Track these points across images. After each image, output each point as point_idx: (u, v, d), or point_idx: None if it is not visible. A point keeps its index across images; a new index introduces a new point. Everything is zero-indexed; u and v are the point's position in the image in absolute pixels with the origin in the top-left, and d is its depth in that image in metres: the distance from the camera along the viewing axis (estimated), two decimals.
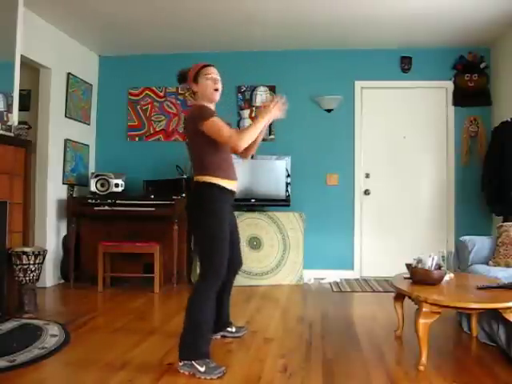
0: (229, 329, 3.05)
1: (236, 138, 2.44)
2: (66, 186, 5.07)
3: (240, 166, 5.15)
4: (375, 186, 5.43)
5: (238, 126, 5.48)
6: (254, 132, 2.50)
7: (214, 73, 2.65)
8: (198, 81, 2.63)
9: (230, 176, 2.63)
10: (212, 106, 2.67)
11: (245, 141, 2.45)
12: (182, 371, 2.40)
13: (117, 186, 4.98)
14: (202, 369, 2.36)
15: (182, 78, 2.73)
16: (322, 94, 5.38)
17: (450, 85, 5.33)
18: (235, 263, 2.92)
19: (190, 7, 4.35)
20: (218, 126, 2.46)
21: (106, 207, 4.83)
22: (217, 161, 2.57)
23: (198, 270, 2.63)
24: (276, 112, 2.59)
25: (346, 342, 2.99)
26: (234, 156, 2.73)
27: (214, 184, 2.54)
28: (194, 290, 2.52)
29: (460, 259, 3.58)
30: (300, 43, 5.29)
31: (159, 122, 5.64)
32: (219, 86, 2.65)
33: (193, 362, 2.38)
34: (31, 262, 3.60)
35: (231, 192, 2.64)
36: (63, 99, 5.01)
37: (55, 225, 4.91)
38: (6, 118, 3.67)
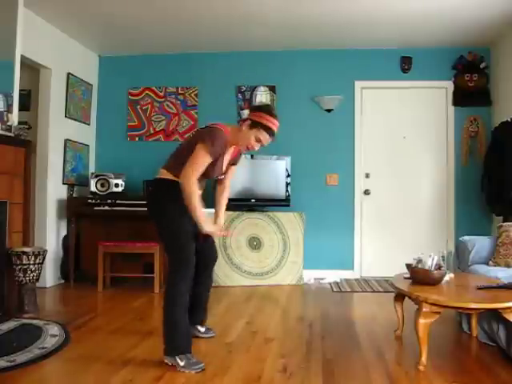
0: (198, 327, 3.02)
1: (188, 187, 2.45)
2: (65, 186, 5.07)
3: (240, 165, 5.16)
4: (375, 186, 5.43)
5: None
6: (192, 209, 2.49)
7: (267, 140, 2.61)
8: (253, 130, 2.59)
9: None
10: (231, 143, 2.66)
11: (184, 187, 2.46)
12: (165, 361, 2.50)
13: (117, 186, 4.98)
14: (182, 363, 2.44)
15: (254, 108, 2.80)
16: (322, 93, 5.38)
17: (450, 85, 5.33)
18: (208, 257, 2.93)
19: (190, 7, 4.35)
20: (199, 161, 2.48)
21: (106, 207, 4.83)
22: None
23: None
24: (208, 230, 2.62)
25: (346, 342, 2.99)
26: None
27: (177, 182, 2.53)
28: (166, 286, 2.61)
29: (460, 259, 3.58)
30: (300, 43, 5.29)
31: (159, 122, 5.64)
32: (258, 146, 2.65)
33: (175, 356, 2.47)
34: (31, 262, 3.60)
35: None
36: (63, 99, 5.01)
37: (55, 225, 4.91)
38: (6, 118, 3.67)
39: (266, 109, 2.66)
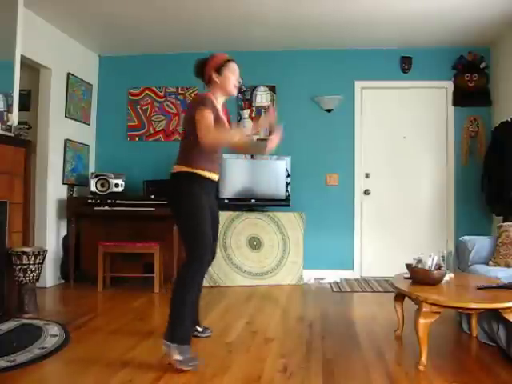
0: (197, 326, 3.01)
1: (211, 139, 2.47)
2: (65, 186, 5.07)
3: (240, 166, 5.18)
4: (375, 185, 5.43)
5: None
6: (225, 140, 2.55)
7: (236, 68, 2.75)
8: (222, 72, 2.70)
9: (208, 168, 2.65)
10: (222, 100, 2.75)
11: (210, 141, 2.47)
12: (163, 346, 2.48)
13: (117, 186, 4.98)
14: (179, 357, 2.42)
15: (201, 66, 2.76)
16: (322, 93, 5.38)
17: (450, 85, 5.33)
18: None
19: (190, 7, 4.35)
20: (205, 121, 2.49)
21: (106, 207, 4.83)
22: (200, 155, 2.59)
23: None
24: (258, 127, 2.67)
25: (346, 342, 2.99)
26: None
27: (192, 173, 2.59)
28: (178, 276, 2.56)
29: (460, 259, 3.58)
30: (300, 43, 5.29)
31: (159, 122, 5.64)
32: (238, 82, 2.78)
33: (175, 344, 2.43)
34: (31, 262, 3.60)
35: (209, 180, 2.68)
36: (63, 99, 5.01)
37: (55, 225, 4.91)
38: (6, 118, 3.67)
39: (211, 56, 2.76)
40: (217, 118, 2.60)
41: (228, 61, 2.73)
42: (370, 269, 5.37)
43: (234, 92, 2.77)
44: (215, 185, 2.80)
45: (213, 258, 2.90)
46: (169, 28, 4.87)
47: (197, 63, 2.80)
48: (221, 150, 2.80)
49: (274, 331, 3.23)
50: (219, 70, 2.70)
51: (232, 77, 2.72)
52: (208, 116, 2.51)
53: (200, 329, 3.04)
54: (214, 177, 2.72)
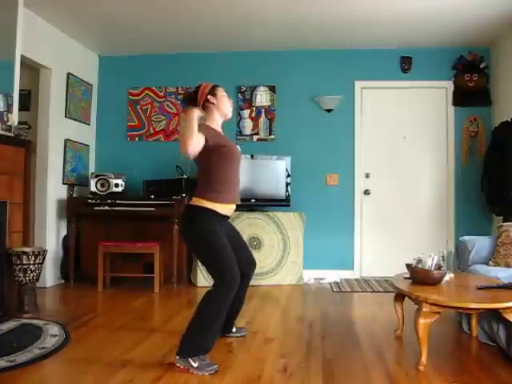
0: (232, 329, 3.07)
1: (187, 137, 2.46)
2: (65, 186, 5.07)
3: (240, 166, 5.16)
4: (375, 185, 5.43)
5: (238, 125, 5.49)
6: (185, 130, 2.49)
7: (223, 91, 2.80)
8: (216, 94, 2.75)
9: (226, 199, 2.66)
10: (219, 123, 2.78)
11: (182, 142, 2.46)
12: (177, 364, 2.46)
13: (117, 186, 4.98)
14: (195, 364, 2.42)
15: (190, 97, 2.79)
16: (322, 93, 5.38)
17: (450, 85, 5.33)
18: (244, 267, 2.82)
19: (190, 7, 4.35)
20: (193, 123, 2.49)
21: (106, 207, 4.83)
22: (218, 183, 2.62)
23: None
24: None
25: (346, 342, 2.99)
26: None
27: (207, 208, 2.58)
28: (209, 296, 2.52)
29: (460, 259, 3.58)
30: (300, 43, 5.29)
31: (159, 122, 5.64)
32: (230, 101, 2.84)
33: (188, 358, 2.44)
34: (31, 262, 3.60)
35: (223, 216, 2.69)
36: (63, 99, 5.01)
37: (55, 225, 4.91)
38: (6, 118, 3.67)
39: (199, 85, 2.79)
40: (222, 143, 2.65)
41: (218, 86, 2.80)
42: (370, 269, 5.37)
43: (230, 113, 2.81)
44: (228, 217, 2.79)
45: (251, 267, 2.94)
46: (169, 28, 4.87)
47: (187, 94, 2.95)
48: (238, 179, 2.84)
49: (274, 331, 3.24)
50: (212, 92, 2.75)
51: (225, 98, 2.78)
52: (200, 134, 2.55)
53: (233, 329, 3.08)
54: (231, 209, 2.74)
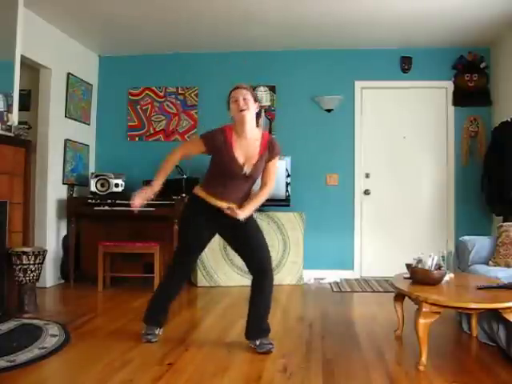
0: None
1: (172, 154, 2.85)
2: (65, 186, 5.07)
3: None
4: (375, 185, 5.43)
5: None
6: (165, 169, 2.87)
7: (237, 94, 2.73)
8: (229, 105, 2.78)
9: (217, 195, 2.76)
10: (242, 124, 2.74)
11: (167, 160, 2.87)
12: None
13: (117, 186, 4.98)
14: (142, 331, 2.93)
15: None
16: (322, 93, 5.38)
17: (450, 85, 5.33)
18: (254, 267, 2.85)
19: (190, 7, 4.35)
20: (188, 145, 2.99)
21: (106, 207, 4.83)
22: (212, 180, 2.82)
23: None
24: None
25: (346, 342, 2.99)
26: None
27: (197, 194, 2.84)
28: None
29: (460, 259, 3.58)
30: (300, 43, 5.29)
31: (159, 122, 5.64)
32: (243, 105, 2.70)
33: (144, 324, 2.96)
34: (31, 262, 3.60)
35: (211, 204, 2.76)
36: (63, 99, 5.00)
37: (55, 225, 4.91)
38: (6, 118, 3.66)
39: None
40: (218, 152, 2.74)
41: (230, 93, 2.78)
42: (370, 269, 5.37)
43: (241, 117, 2.72)
44: (218, 210, 2.76)
45: (261, 268, 2.85)
46: (169, 28, 4.87)
47: None
48: (236, 191, 2.79)
49: (274, 331, 3.22)
50: (228, 104, 2.79)
51: (233, 106, 2.74)
52: (193, 141, 2.92)
53: (257, 342, 2.79)
54: (220, 204, 2.74)
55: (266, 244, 2.88)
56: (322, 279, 5.20)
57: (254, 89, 5.48)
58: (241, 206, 2.75)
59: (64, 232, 5.05)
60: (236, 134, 2.76)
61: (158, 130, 5.63)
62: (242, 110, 2.69)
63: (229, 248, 4.89)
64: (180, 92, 5.61)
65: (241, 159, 2.73)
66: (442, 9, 4.28)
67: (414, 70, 5.37)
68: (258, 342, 2.77)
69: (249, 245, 2.86)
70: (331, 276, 5.25)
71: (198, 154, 2.81)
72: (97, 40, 5.27)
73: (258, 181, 2.89)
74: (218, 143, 2.72)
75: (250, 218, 2.82)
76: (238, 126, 2.75)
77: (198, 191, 2.84)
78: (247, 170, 2.73)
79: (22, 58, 4.00)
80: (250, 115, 2.72)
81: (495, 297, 2.50)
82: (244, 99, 2.70)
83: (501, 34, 4.86)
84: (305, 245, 5.08)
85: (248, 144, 2.75)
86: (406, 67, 5.38)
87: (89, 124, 5.55)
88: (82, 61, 5.39)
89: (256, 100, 2.78)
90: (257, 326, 2.83)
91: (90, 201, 4.90)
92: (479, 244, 3.49)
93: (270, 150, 2.79)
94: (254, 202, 2.78)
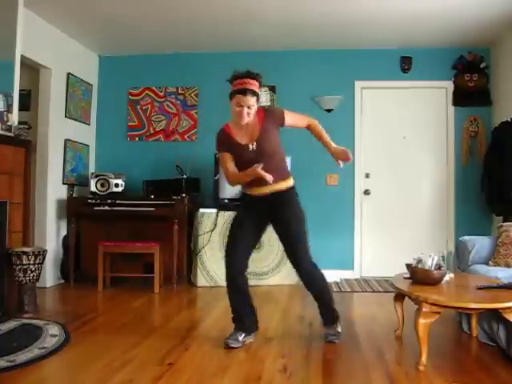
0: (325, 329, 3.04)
1: (227, 179, 2.93)
2: (65, 186, 5.07)
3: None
4: (375, 185, 5.43)
5: None
6: (241, 179, 2.88)
7: (243, 102, 2.72)
8: (232, 100, 2.78)
9: (247, 186, 2.93)
10: (238, 125, 2.83)
11: (230, 182, 2.95)
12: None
13: (117, 186, 4.98)
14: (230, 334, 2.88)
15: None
16: (322, 93, 5.38)
17: (450, 85, 5.33)
18: (297, 270, 2.98)
19: (190, 7, 4.35)
20: (224, 164, 2.90)
21: (106, 207, 4.83)
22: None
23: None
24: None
25: (346, 342, 2.99)
26: None
27: (241, 193, 3.08)
28: None
29: (460, 259, 3.58)
30: (300, 43, 5.29)
31: (159, 122, 5.64)
32: (245, 117, 2.75)
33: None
34: (31, 262, 3.60)
35: (250, 196, 2.95)
36: (63, 99, 5.00)
37: (55, 225, 4.91)
38: (6, 118, 3.67)
39: (234, 75, 2.83)
40: (233, 153, 2.85)
41: (237, 91, 2.74)
42: (370, 269, 5.37)
43: (238, 120, 2.78)
44: (259, 197, 2.91)
45: (296, 262, 2.98)
46: (169, 28, 4.87)
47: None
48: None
49: (274, 331, 3.23)
50: (230, 96, 2.79)
51: (236, 108, 2.75)
52: (223, 161, 2.90)
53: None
54: (258, 191, 2.89)
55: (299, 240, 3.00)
56: None
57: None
58: (279, 190, 2.91)
59: (64, 232, 5.05)
60: (235, 126, 2.87)
61: (157, 129, 5.63)
62: (242, 118, 2.76)
63: None
64: (180, 92, 5.61)
65: (243, 141, 2.84)
66: (442, 9, 4.28)
67: (414, 69, 5.37)
68: (325, 332, 2.99)
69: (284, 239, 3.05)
70: (331, 276, 5.23)
71: (232, 161, 2.88)
72: (97, 40, 5.27)
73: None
74: (227, 143, 2.86)
75: (292, 210, 2.99)
76: (237, 120, 2.82)
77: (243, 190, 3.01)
78: (252, 146, 2.83)
79: (22, 58, 4.00)
80: (250, 118, 2.79)
81: (495, 297, 2.50)
82: (248, 109, 2.73)
83: (501, 33, 4.86)
84: None
85: (247, 127, 2.84)
86: (406, 67, 5.38)
87: (89, 124, 5.55)
88: (82, 61, 5.39)
89: (258, 98, 2.80)
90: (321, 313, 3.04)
91: (89, 201, 4.90)
92: (479, 244, 3.48)
93: (273, 119, 2.89)
94: (323, 134, 3.15)
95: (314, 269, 2.96)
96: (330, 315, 3.01)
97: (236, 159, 2.86)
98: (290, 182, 3.02)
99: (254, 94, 2.73)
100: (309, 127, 3.10)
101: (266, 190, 2.86)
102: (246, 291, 2.94)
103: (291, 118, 3.00)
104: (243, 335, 2.87)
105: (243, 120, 2.76)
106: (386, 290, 4.58)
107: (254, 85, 2.75)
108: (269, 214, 2.97)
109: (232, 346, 2.78)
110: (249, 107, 2.72)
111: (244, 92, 2.71)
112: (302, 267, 2.93)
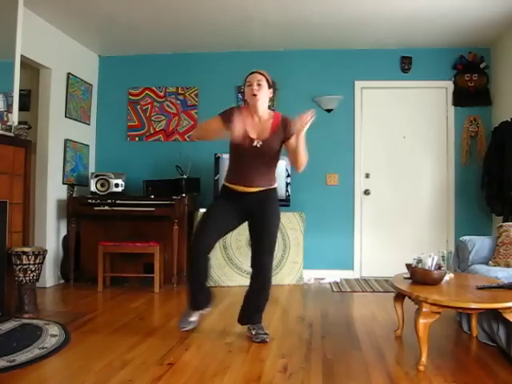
0: (251, 328, 3.04)
1: (196, 128, 3.12)
2: (65, 186, 5.07)
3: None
4: (375, 185, 5.43)
5: None
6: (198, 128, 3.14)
7: (252, 79, 2.92)
8: (244, 88, 3.00)
9: (233, 181, 2.98)
10: (255, 108, 2.93)
11: (197, 131, 3.28)
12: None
13: (117, 186, 4.98)
14: (180, 316, 3.16)
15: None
16: (322, 93, 5.38)
17: (450, 85, 5.33)
18: (254, 260, 2.99)
19: (190, 7, 4.35)
20: (207, 121, 3.02)
21: (106, 207, 4.83)
22: (230, 167, 3.05)
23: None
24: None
25: (346, 342, 2.99)
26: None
27: (223, 184, 3.09)
28: None
29: (460, 259, 3.58)
30: (300, 43, 5.29)
31: (159, 122, 5.64)
32: (256, 90, 2.88)
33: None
34: (31, 262, 3.60)
35: (233, 190, 2.98)
36: (63, 99, 5.00)
37: (55, 225, 4.91)
38: (6, 118, 3.67)
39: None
40: (228, 123, 2.83)
41: (247, 76, 2.97)
42: (370, 269, 5.37)
43: (253, 101, 2.91)
44: (241, 193, 2.96)
45: (261, 270, 2.96)
46: (169, 28, 4.87)
47: None
48: (250, 168, 2.94)
49: (274, 331, 3.23)
50: (244, 88, 3.00)
51: (247, 89, 2.93)
52: (212, 119, 2.96)
53: (253, 332, 3.01)
54: (240, 188, 2.95)
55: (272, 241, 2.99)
56: (322, 279, 5.20)
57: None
58: (263, 189, 2.95)
59: (64, 232, 5.05)
60: (250, 114, 2.94)
61: (158, 130, 5.63)
62: (254, 94, 2.87)
63: (229, 248, 4.95)
64: (180, 92, 5.61)
65: (252, 134, 2.90)
66: (442, 9, 4.29)
67: (414, 70, 5.37)
68: (254, 332, 2.97)
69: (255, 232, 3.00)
70: (331, 276, 5.25)
71: (216, 132, 2.95)
72: (97, 40, 5.27)
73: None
74: (228, 112, 2.92)
75: (274, 212, 3.00)
76: (251, 107, 2.94)
77: (224, 182, 3.05)
78: (258, 143, 2.89)
79: (22, 58, 4.00)
80: (262, 98, 2.90)
81: (495, 297, 2.50)
82: (258, 84, 2.88)
83: (501, 34, 4.87)
84: (305, 245, 5.08)
85: (260, 123, 2.94)
86: (406, 67, 5.38)
87: (89, 124, 5.55)
88: (81, 61, 5.39)
89: (271, 86, 2.95)
90: (249, 313, 3.08)
91: (90, 201, 4.89)
92: (479, 244, 3.49)
93: (285, 129, 2.92)
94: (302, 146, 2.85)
95: (270, 266, 3.02)
96: (261, 313, 3.07)
97: (235, 147, 2.91)
98: (275, 186, 3.07)
99: (261, 74, 2.94)
100: (295, 162, 2.95)
101: (253, 189, 2.94)
102: (205, 271, 3.04)
103: (296, 141, 2.81)
104: (197, 314, 3.15)
105: (254, 96, 2.87)
106: (386, 290, 4.58)
107: (261, 73, 2.96)
108: (250, 207, 2.97)
109: (184, 329, 3.08)
110: (258, 84, 2.88)
111: (252, 72, 2.96)
112: (265, 258, 2.96)
